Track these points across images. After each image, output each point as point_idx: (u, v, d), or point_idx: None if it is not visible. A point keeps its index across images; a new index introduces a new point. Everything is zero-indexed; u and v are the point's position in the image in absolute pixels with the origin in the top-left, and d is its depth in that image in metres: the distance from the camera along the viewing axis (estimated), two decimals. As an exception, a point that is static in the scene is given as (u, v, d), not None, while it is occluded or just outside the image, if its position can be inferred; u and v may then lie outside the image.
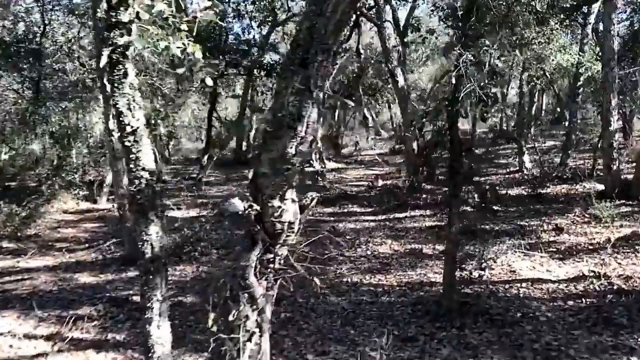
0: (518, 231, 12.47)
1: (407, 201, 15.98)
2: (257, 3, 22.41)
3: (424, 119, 14.54)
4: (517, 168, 20.18)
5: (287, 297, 8.96)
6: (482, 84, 7.18)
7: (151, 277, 5.07)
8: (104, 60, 4.51)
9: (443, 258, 10.34)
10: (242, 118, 29.73)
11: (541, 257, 10.55)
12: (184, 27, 4.53)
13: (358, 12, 5.52)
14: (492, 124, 28.20)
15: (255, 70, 23.97)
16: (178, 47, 4.57)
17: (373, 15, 16.11)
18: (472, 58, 7.23)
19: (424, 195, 16.99)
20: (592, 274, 9.28)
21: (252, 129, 31.96)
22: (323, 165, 22.05)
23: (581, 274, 9.39)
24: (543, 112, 33.18)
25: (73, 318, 8.28)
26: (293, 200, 4.16)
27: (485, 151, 13.72)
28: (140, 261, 5.08)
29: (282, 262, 4.39)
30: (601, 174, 15.66)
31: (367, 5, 17.68)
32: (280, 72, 4.45)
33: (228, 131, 29.30)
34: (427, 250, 11.77)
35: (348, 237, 12.99)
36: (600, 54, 16.76)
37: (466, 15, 7.51)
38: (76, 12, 18.14)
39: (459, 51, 7.42)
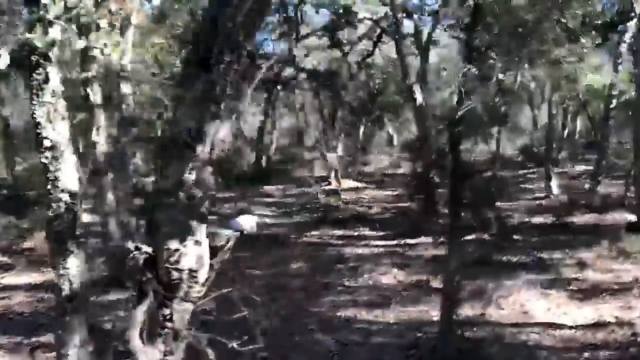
0: (537, 264, 11.39)
1: (420, 226, 14.98)
2: (277, 15, 21.81)
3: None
4: (544, 194, 18.96)
5: (269, 331, 8.11)
6: (488, 101, 6.29)
7: (68, 318, 4.32)
8: (3, 62, 3.76)
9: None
10: (262, 132, 29.21)
11: (559, 296, 9.47)
12: (102, 23, 3.78)
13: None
14: (522, 145, 26.98)
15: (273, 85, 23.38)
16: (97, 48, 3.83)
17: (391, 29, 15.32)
18: (476, 72, 6.36)
19: (440, 220, 15.96)
20: (614, 320, 8.21)
21: (272, 144, 31.39)
22: (338, 185, 21.20)
23: (602, 320, 8.31)
24: (577, 134, 31.71)
25: (30, 348, 7.59)
26: (197, 242, 3.25)
27: (492, 176, 12.59)
28: (57, 299, 4.35)
29: (186, 320, 3.45)
30: (633, 203, 14.44)
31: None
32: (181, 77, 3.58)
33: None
34: (435, 282, 10.76)
35: (352, 264, 12.07)
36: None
37: (471, 25, 6.63)
38: None
39: (463, 65, 6.57)
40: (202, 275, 3.35)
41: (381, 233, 15.21)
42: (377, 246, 13.68)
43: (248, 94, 3.13)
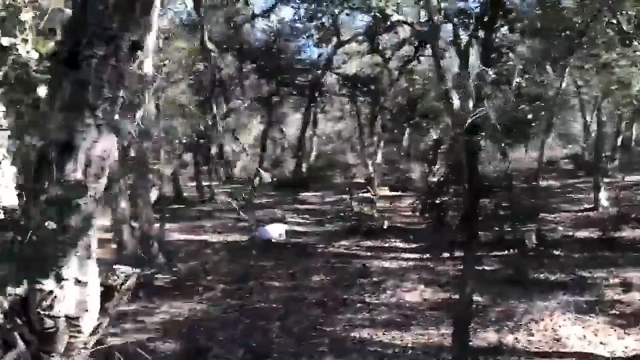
0: (576, 284, 10.50)
1: (456, 239, 14.17)
2: (314, 21, 21.39)
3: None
4: (592, 205, 17.76)
5: (276, 350, 7.65)
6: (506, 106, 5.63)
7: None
8: None
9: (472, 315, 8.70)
10: (302, 139, 28.85)
11: (598, 321, 8.59)
12: (26, 17, 3.36)
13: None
14: (571, 153, 25.62)
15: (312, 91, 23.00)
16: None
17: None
18: (492, 75, 5.71)
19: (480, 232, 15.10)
20: (659, 352, 7.33)
21: (312, 150, 31.00)
22: (375, 193, 20.51)
23: (645, 352, 7.44)
24: (632, 142, 29.90)
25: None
26: (80, 282, 2.53)
27: (506, 186, 11.61)
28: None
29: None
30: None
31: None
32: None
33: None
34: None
35: (376, 278, 11.45)
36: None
37: (490, 22, 5.98)
38: None
39: (479, 67, 5.92)
40: (88, 322, 2.61)
41: (413, 245, 14.49)
42: (406, 259, 12.99)
43: (121, 98, 2.52)
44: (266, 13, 18.76)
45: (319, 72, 22.61)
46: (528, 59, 5.94)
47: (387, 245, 14.66)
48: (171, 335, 8.56)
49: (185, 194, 26.58)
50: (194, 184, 26.34)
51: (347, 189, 20.39)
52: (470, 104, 5.93)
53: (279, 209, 21.68)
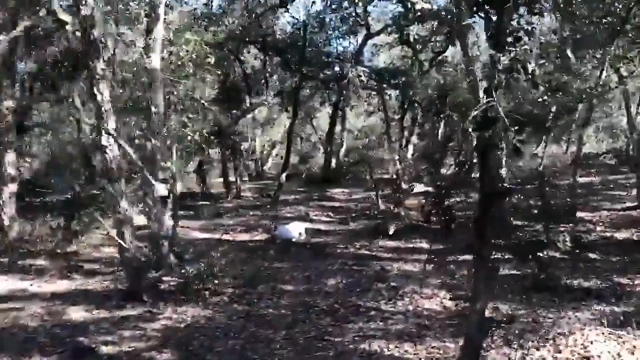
0: (614, 293, 9.59)
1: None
2: (339, 12, 20.72)
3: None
4: (635, 203, 16.58)
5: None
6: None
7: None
8: None
9: (494, 327, 7.98)
10: (332, 133, 28.20)
11: (635, 337, 7.71)
12: None
13: None
14: (613, 147, 24.25)
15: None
16: None
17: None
18: (506, 62, 4.97)
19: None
20: None
21: (342, 145, 30.31)
22: (403, 189, 19.67)
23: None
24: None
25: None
26: None
27: (538, 183, 10.60)
28: None
29: None
30: None
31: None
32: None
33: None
34: (488, 311, 9.24)
35: (394, 283, 10.75)
36: None
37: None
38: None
39: (490, 53, 5.19)
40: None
41: (440, 246, 13.70)
42: (429, 262, 12.20)
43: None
44: (283, 3, 18.15)
45: (348, 65, 21.89)
46: (550, 44, 5.08)
47: (410, 246, 13.92)
48: (169, 345, 8.06)
49: (213, 190, 26.35)
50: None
51: (373, 185, 19.69)
52: (481, 94, 5.17)
53: (305, 206, 21.14)
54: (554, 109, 7.34)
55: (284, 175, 22.93)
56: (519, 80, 4.84)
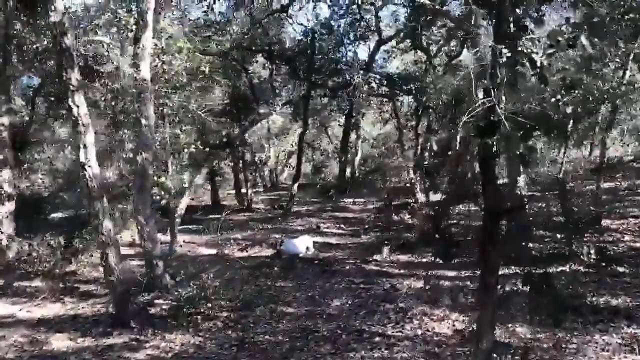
0: (645, 312, 8.68)
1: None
2: (346, 17, 19.99)
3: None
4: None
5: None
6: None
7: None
8: None
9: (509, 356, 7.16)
10: (346, 142, 27.50)
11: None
12: None
13: None
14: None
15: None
16: None
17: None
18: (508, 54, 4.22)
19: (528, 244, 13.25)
20: None
21: (357, 154, 29.59)
22: (418, 199, 18.84)
23: None
24: None
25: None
26: None
27: (559, 191, 9.55)
28: None
29: None
30: None
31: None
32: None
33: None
34: (503, 334, 8.39)
35: (403, 303, 9.95)
36: None
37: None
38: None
39: (491, 44, 4.44)
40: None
41: (456, 260, 12.81)
42: (445, 278, 11.36)
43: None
44: (285, 8, 17.51)
45: (361, 71, 21.12)
46: (560, 32, 4.33)
47: (424, 260, 13.05)
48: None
49: (225, 202, 25.83)
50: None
51: (386, 195, 18.92)
52: (480, 95, 4.42)
53: (317, 217, 20.43)
54: (569, 109, 6.56)
55: (295, 185, 22.28)
56: (525, 76, 4.09)
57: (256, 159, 32.70)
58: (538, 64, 4.00)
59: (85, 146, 8.20)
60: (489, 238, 4.62)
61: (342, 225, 18.06)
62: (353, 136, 28.93)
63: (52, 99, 18.04)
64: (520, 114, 4.29)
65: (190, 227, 18.51)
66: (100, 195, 8.51)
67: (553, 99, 4.84)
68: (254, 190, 26.80)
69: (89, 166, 8.26)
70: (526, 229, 12.41)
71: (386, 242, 14.09)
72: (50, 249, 14.19)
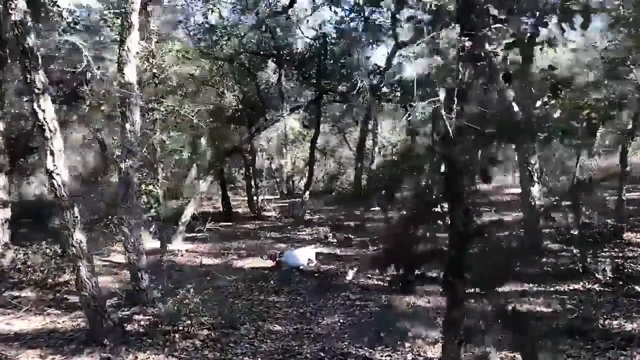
0: (664, 339, 7.82)
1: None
2: (358, 22, 19.35)
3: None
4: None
5: None
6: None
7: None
8: None
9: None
10: (362, 149, 26.80)
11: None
12: None
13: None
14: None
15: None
16: None
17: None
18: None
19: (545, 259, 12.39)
20: None
21: (373, 161, 28.83)
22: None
23: None
24: None
25: None
26: None
27: (572, 202, 8.51)
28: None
29: None
30: None
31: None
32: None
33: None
34: (502, 360, 7.63)
35: (399, 323, 9.23)
36: None
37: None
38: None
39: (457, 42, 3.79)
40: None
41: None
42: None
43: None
44: (285, 11, 16.96)
45: (370, 76, 20.49)
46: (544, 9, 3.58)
47: (429, 275, 12.26)
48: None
49: (239, 210, 25.42)
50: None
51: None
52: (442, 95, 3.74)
53: (327, 226, 19.78)
54: (557, 113, 5.79)
55: (307, 193, 21.74)
56: (485, 74, 3.42)
57: (272, 165, 32.27)
58: (500, 58, 3.33)
59: (52, 153, 7.73)
60: (453, 267, 3.94)
61: (350, 236, 17.36)
62: (370, 142, 28.23)
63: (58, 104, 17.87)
64: (484, 120, 3.61)
65: (195, 235, 18.10)
66: (70, 205, 8.01)
67: (539, 102, 4.10)
68: (268, 197, 26.34)
69: (58, 174, 7.77)
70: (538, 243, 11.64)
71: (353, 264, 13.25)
72: (45, 257, 13.86)
